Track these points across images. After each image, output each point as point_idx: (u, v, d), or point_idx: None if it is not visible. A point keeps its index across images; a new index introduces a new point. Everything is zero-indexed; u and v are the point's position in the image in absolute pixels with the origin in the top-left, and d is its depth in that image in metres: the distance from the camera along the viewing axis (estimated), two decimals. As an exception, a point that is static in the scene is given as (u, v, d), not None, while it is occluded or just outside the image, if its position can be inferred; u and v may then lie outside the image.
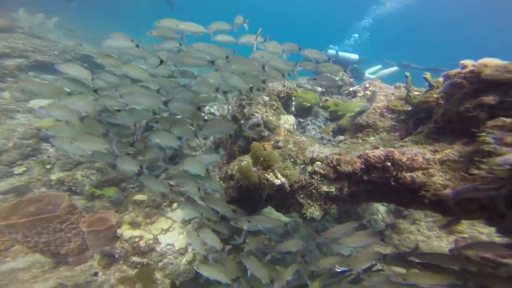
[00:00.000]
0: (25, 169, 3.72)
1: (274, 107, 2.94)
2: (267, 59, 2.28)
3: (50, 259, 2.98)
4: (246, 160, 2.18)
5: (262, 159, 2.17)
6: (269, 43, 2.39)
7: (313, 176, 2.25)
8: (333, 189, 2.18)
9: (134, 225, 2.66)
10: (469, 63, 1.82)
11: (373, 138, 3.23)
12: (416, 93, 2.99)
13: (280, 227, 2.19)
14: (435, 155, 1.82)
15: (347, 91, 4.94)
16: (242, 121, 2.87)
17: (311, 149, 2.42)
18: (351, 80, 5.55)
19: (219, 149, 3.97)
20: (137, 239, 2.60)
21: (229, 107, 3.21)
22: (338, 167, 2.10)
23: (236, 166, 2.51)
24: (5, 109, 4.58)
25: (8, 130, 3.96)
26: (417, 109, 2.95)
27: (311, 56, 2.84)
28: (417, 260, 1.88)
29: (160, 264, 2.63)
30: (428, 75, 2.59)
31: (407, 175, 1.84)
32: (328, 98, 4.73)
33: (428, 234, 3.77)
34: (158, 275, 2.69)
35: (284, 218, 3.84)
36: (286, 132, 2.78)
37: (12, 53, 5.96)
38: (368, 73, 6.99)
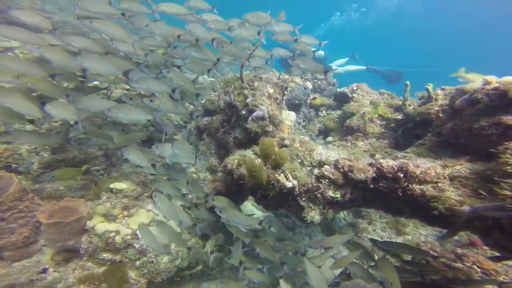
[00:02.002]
0: None
1: (277, 101, 2.76)
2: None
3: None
4: (257, 158, 1.98)
5: (273, 157, 2.00)
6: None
7: (321, 180, 2.18)
8: (338, 195, 2.16)
9: (109, 217, 2.24)
10: (493, 79, 1.88)
11: (362, 142, 3.34)
12: (408, 102, 3.13)
13: (252, 226, 2.09)
14: (445, 170, 1.92)
15: (333, 91, 5.01)
16: (243, 112, 2.62)
17: (319, 151, 2.34)
18: (334, 80, 5.65)
19: (203, 135, 3.62)
20: (112, 234, 2.20)
21: (219, 91, 2.92)
22: (350, 174, 2.07)
23: (236, 161, 2.29)
24: None
25: None
26: (407, 118, 3.11)
27: (303, 41, 2.71)
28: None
29: (137, 262, 2.30)
30: (430, 86, 2.70)
31: (417, 187, 1.90)
32: (316, 96, 4.73)
33: (381, 234, 4.24)
34: (132, 274, 2.36)
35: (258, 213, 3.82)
36: (289, 129, 2.64)
37: None
38: (335, 64, 7.17)
